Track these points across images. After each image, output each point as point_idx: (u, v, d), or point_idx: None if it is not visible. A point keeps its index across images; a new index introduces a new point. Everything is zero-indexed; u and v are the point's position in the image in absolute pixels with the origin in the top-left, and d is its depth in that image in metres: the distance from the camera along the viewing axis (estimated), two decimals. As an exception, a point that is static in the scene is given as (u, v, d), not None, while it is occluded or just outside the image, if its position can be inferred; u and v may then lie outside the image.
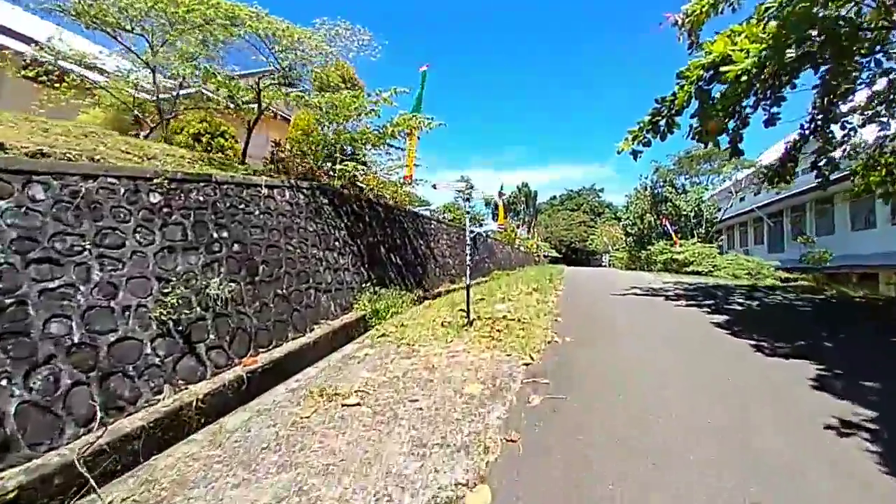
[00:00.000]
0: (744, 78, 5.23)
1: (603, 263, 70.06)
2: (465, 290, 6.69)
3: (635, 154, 6.67)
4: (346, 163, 8.30)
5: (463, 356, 4.94)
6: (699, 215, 28.20)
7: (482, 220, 38.50)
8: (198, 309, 4.16)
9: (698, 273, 22.24)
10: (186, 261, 4.38)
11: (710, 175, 30.58)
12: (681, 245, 25.87)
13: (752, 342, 5.59)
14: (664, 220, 27.85)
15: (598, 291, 11.94)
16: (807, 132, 8.00)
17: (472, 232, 17.78)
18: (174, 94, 8.25)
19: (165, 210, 4.45)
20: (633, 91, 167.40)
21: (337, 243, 7.04)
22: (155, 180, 4.51)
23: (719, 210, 28.87)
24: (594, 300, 10.03)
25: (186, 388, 3.63)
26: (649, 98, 7.21)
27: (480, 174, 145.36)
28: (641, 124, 6.49)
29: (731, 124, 6.43)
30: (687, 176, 30.84)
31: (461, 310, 6.81)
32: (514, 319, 6.55)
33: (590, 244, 72.92)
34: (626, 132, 6.67)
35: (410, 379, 4.32)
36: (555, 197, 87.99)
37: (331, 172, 8.12)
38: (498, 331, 5.89)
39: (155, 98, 7.61)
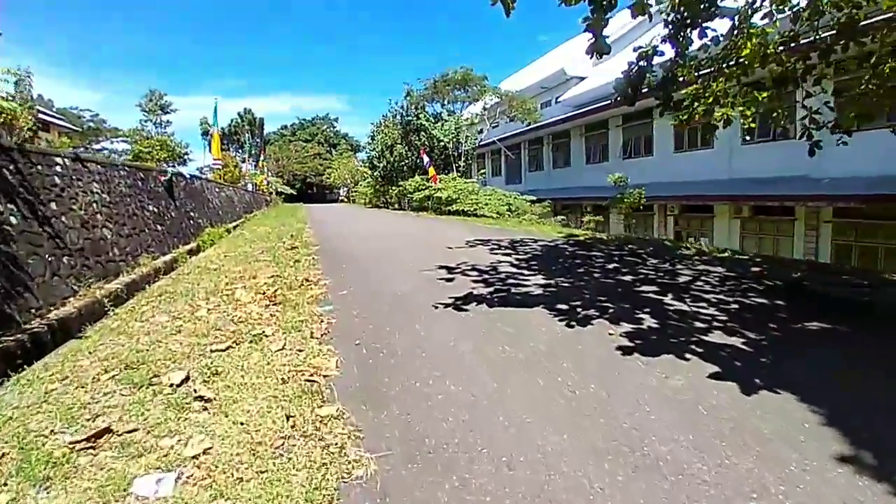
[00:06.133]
0: None
1: (341, 199, 64.77)
2: None
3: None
4: None
5: None
6: (458, 147, 25.78)
7: (185, 154, 27.52)
8: None
9: (464, 213, 19.65)
10: None
11: (466, 103, 28.12)
12: (440, 180, 22.88)
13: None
14: (422, 151, 24.15)
15: (401, 273, 6.37)
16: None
17: (165, 173, 9.78)
18: None
19: None
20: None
21: None
22: None
23: (476, 140, 27.21)
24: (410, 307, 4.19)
25: None
26: None
27: (188, 100, 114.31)
28: None
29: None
30: (442, 103, 27.57)
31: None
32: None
33: (327, 178, 66.71)
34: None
35: None
36: (285, 126, 76.39)
37: None
38: None
39: None
